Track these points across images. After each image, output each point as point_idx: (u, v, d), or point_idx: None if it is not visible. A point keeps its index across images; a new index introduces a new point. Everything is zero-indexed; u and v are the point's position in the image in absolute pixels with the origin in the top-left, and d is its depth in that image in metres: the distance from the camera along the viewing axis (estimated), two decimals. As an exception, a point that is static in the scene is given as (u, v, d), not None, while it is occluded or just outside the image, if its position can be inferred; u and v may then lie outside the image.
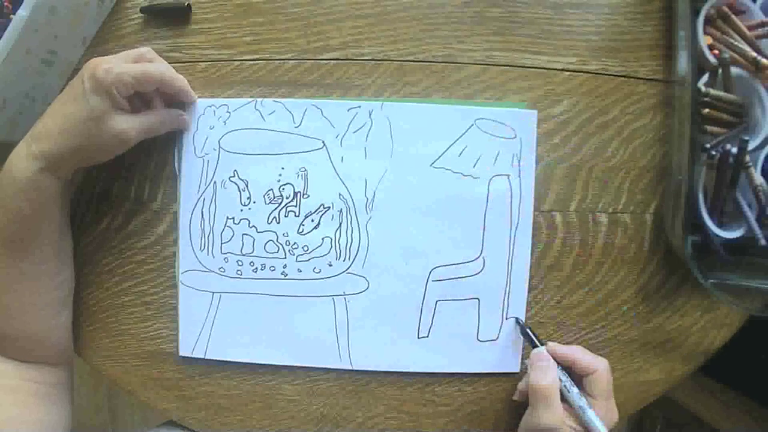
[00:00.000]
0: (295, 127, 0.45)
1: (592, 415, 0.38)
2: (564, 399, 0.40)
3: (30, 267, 0.41)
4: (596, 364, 0.40)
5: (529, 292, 0.45)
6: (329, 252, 0.45)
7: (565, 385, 0.40)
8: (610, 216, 0.45)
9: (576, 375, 0.41)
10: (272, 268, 0.45)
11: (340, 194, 0.45)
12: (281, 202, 0.45)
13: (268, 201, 0.45)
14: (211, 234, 0.45)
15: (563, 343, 0.44)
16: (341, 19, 0.45)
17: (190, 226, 0.45)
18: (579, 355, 0.41)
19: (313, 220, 0.45)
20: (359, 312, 0.45)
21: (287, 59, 0.45)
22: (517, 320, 0.45)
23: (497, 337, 0.45)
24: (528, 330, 0.44)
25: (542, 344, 0.42)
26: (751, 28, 0.44)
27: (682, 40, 0.42)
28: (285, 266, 0.45)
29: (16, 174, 0.38)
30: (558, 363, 0.41)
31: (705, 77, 0.43)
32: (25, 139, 0.39)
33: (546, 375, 0.40)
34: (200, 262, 0.46)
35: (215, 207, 0.45)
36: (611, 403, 0.40)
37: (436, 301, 0.45)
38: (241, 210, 0.45)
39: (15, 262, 0.41)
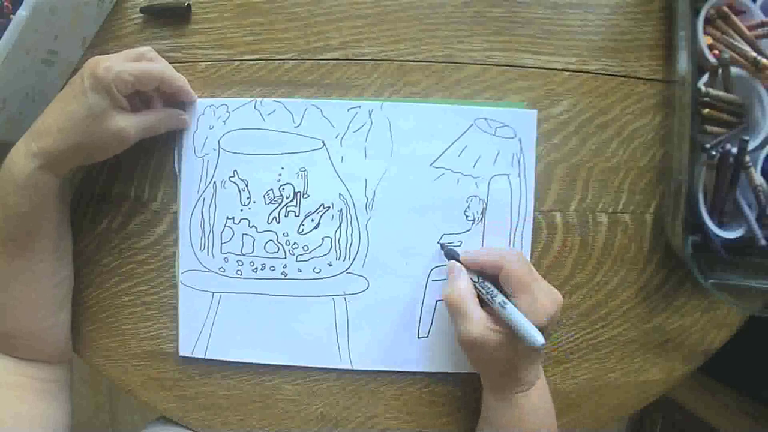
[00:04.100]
0: (295, 127, 0.45)
1: (510, 310, 0.36)
2: (487, 305, 0.38)
3: (28, 265, 0.41)
4: (500, 261, 0.38)
5: (529, 292, 0.45)
6: (329, 252, 0.45)
7: (479, 288, 0.38)
8: (610, 216, 0.45)
9: (493, 279, 0.39)
10: (272, 268, 0.45)
11: (340, 194, 0.45)
12: (281, 202, 0.45)
13: (268, 201, 0.45)
14: (211, 234, 0.45)
15: (563, 344, 0.44)
16: (341, 19, 0.45)
17: (190, 226, 0.45)
18: (483, 257, 0.40)
19: (313, 220, 0.45)
20: (359, 312, 0.45)
21: (287, 59, 0.45)
22: (441, 245, 0.43)
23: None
24: (442, 246, 0.43)
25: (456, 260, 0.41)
26: (751, 28, 0.44)
27: (682, 40, 0.42)
28: (285, 266, 0.45)
29: (15, 171, 0.38)
30: (473, 271, 0.40)
31: (705, 77, 0.43)
32: (25, 137, 0.39)
33: (456, 282, 0.39)
34: (200, 262, 0.46)
35: (215, 207, 0.45)
36: (535, 293, 0.37)
37: (436, 301, 0.45)
38: (241, 210, 0.45)
39: (13, 260, 0.41)
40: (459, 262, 0.41)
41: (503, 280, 0.38)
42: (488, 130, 0.44)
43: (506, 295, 0.38)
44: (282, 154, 0.45)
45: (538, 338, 0.35)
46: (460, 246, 0.44)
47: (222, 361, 0.46)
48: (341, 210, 0.45)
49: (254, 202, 0.45)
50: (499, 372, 0.39)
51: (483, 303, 0.39)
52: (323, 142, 0.45)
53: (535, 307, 0.36)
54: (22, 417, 0.41)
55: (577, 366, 0.46)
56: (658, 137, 0.46)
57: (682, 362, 0.48)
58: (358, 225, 0.45)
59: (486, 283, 0.39)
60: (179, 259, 0.46)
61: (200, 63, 0.46)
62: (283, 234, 0.45)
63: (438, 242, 0.44)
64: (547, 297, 0.38)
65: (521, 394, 0.40)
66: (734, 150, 0.42)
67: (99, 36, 0.47)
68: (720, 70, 0.43)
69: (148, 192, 0.46)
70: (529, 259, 0.44)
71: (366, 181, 0.44)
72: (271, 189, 0.45)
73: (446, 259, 0.43)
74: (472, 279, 0.39)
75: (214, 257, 0.45)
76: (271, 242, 0.45)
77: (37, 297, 0.43)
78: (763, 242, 0.43)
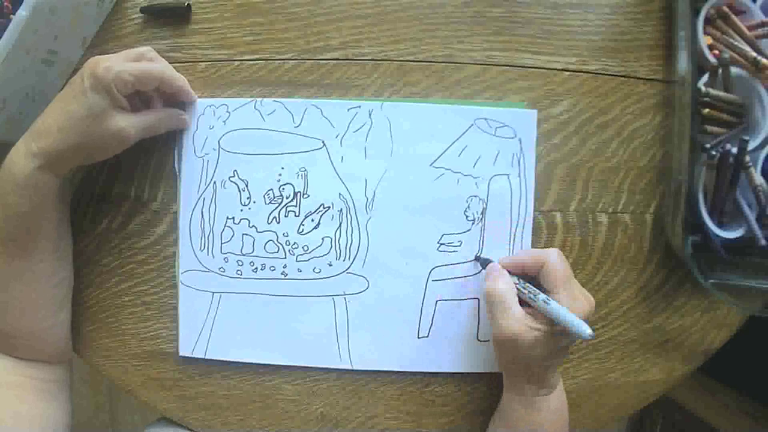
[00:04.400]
0: (295, 127, 0.45)
1: (554, 306, 0.36)
2: (526, 304, 0.38)
3: (28, 265, 0.41)
4: (542, 257, 0.39)
5: (529, 292, 0.45)
6: (329, 252, 0.45)
7: (520, 288, 0.39)
8: (610, 216, 0.45)
9: (533, 278, 0.40)
10: (272, 268, 0.45)
11: (340, 194, 0.45)
12: (281, 202, 0.45)
13: (268, 201, 0.45)
14: (211, 234, 0.45)
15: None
16: (341, 19, 0.45)
17: (190, 226, 0.45)
18: (524, 256, 0.40)
19: (313, 220, 0.45)
20: (359, 312, 0.45)
21: (287, 59, 0.45)
22: (477, 257, 0.44)
23: (497, 337, 0.45)
24: (477, 257, 0.44)
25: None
26: (751, 28, 0.44)
27: (682, 40, 0.42)
28: (285, 266, 0.45)
29: (14, 171, 0.38)
30: (512, 273, 0.40)
31: (705, 77, 0.43)
32: (25, 137, 0.39)
33: (497, 281, 0.39)
34: (200, 262, 0.45)
35: (215, 207, 0.45)
36: (574, 291, 0.38)
37: (436, 301, 0.45)
38: (241, 210, 0.45)
39: (13, 259, 0.41)
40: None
41: (543, 276, 0.39)
42: (488, 130, 0.44)
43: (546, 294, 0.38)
44: (282, 154, 0.45)
45: (587, 329, 0.35)
46: (460, 246, 0.44)
47: (222, 361, 0.46)
48: (341, 210, 0.45)
49: (254, 202, 0.45)
50: (528, 373, 0.39)
51: (522, 304, 0.39)
52: (323, 142, 0.45)
53: (575, 302, 0.37)
54: (21, 417, 0.41)
55: (577, 366, 0.46)
56: (658, 137, 0.46)
57: (682, 362, 0.48)
58: (358, 225, 0.45)
59: (526, 283, 0.39)
60: (179, 259, 0.46)
61: (200, 63, 0.46)
62: (283, 234, 0.45)
63: (475, 255, 0.44)
64: (586, 295, 0.38)
65: (543, 397, 0.40)
66: (734, 150, 0.42)
67: (99, 36, 0.47)
68: (720, 70, 0.43)
69: (148, 192, 0.46)
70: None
71: (366, 181, 0.44)
72: (271, 189, 0.45)
73: (481, 267, 0.44)
74: (517, 278, 0.40)
75: (214, 257, 0.45)
76: (271, 242, 0.45)
77: (37, 297, 0.43)
78: (763, 242, 0.43)
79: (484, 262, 0.43)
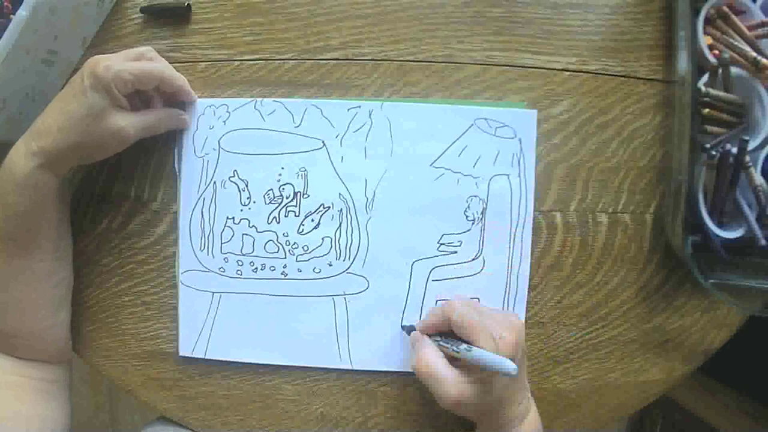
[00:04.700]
0: (295, 127, 0.45)
1: (474, 353, 0.35)
2: (454, 359, 0.37)
3: (28, 264, 0.41)
4: (447, 312, 0.38)
5: (529, 291, 0.45)
6: (329, 252, 0.45)
7: (442, 346, 0.38)
8: (610, 216, 0.45)
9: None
10: (272, 268, 0.45)
11: (340, 194, 0.45)
12: (281, 202, 0.45)
13: (268, 201, 0.45)
14: (211, 234, 0.45)
15: (563, 344, 0.44)
16: (341, 19, 0.45)
17: (190, 226, 0.45)
18: (432, 317, 0.40)
19: (313, 220, 0.45)
20: (359, 312, 0.45)
21: (287, 59, 0.45)
22: (402, 327, 0.44)
23: (497, 337, 0.45)
24: (402, 326, 0.44)
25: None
26: (751, 28, 0.44)
27: (682, 40, 0.42)
28: (285, 266, 0.45)
29: (14, 170, 0.38)
30: (433, 333, 0.40)
31: (705, 77, 0.43)
32: (25, 136, 0.39)
33: (419, 354, 0.38)
34: (200, 262, 0.46)
35: (215, 207, 0.45)
36: (490, 329, 0.36)
37: (436, 301, 0.45)
38: (241, 210, 0.45)
39: (13, 259, 0.41)
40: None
41: (457, 331, 0.38)
42: (488, 130, 0.44)
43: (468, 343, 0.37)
44: (282, 154, 0.45)
45: (509, 365, 0.34)
46: (460, 246, 0.44)
47: (222, 361, 0.46)
48: (341, 210, 0.45)
49: (254, 202, 0.45)
50: (489, 418, 0.39)
51: (452, 361, 0.38)
52: (323, 142, 0.45)
53: (495, 341, 0.36)
54: (21, 417, 0.41)
55: (577, 366, 0.46)
56: (658, 137, 0.46)
57: (682, 362, 0.48)
58: (358, 225, 0.45)
59: (446, 339, 0.38)
60: (179, 259, 0.46)
61: (200, 63, 0.46)
62: (283, 234, 0.45)
63: (401, 325, 0.44)
64: (504, 327, 0.37)
65: (514, 429, 0.39)
66: (734, 150, 0.42)
67: (99, 36, 0.47)
68: (720, 70, 0.42)
69: (148, 192, 0.46)
70: (529, 259, 0.44)
71: (366, 181, 0.44)
72: (271, 189, 0.45)
73: (407, 336, 0.43)
74: (435, 341, 0.39)
75: (214, 257, 0.45)
76: (271, 242, 0.45)
77: (37, 296, 0.43)
78: (763, 242, 0.43)
79: (407, 330, 0.43)
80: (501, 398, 0.38)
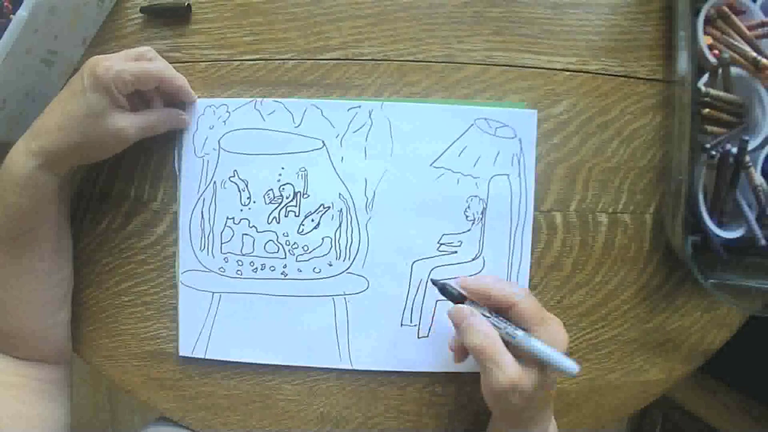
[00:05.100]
0: (295, 127, 0.45)
1: (537, 344, 0.34)
2: (507, 343, 0.36)
3: (28, 264, 0.41)
4: (512, 297, 0.36)
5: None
6: (329, 252, 0.45)
7: (495, 324, 0.36)
8: (610, 216, 0.45)
9: (498, 308, 0.37)
10: (272, 268, 0.45)
11: (340, 194, 0.45)
12: (281, 202, 0.45)
13: (268, 201, 0.45)
14: (211, 234, 0.45)
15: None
16: (341, 19, 0.45)
17: (190, 226, 0.45)
18: (492, 289, 0.37)
19: (313, 220, 0.45)
20: (359, 312, 0.45)
21: (287, 59, 0.45)
22: (434, 281, 0.40)
23: (497, 337, 0.45)
24: (434, 282, 0.40)
25: (460, 299, 0.38)
26: (751, 28, 0.44)
27: (682, 40, 0.42)
28: (285, 266, 0.45)
29: (14, 170, 0.38)
30: (478, 302, 0.38)
31: (705, 77, 0.43)
32: (25, 136, 0.39)
33: (477, 331, 0.36)
34: (200, 262, 0.45)
35: (215, 207, 0.45)
36: (551, 325, 0.36)
37: (436, 301, 0.45)
38: (241, 210, 0.45)
39: (13, 259, 0.41)
40: (461, 302, 0.38)
41: (516, 316, 0.36)
42: (488, 130, 0.44)
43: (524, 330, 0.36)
44: (282, 154, 0.45)
45: (574, 365, 0.33)
46: (460, 246, 0.44)
47: (222, 361, 0.46)
48: (341, 210, 0.45)
49: (254, 202, 0.45)
50: (525, 416, 0.37)
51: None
52: (323, 142, 0.45)
53: (555, 337, 0.35)
54: (21, 417, 0.41)
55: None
56: (658, 137, 0.46)
57: (682, 362, 0.48)
58: (358, 225, 0.45)
59: (501, 320, 0.36)
60: (179, 259, 0.46)
61: (200, 63, 0.46)
62: (283, 234, 0.45)
63: (429, 279, 0.43)
64: (560, 326, 0.36)
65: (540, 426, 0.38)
66: (734, 150, 0.42)
67: (99, 36, 0.47)
68: (720, 70, 0.43)
69: (148, 192, 0.46)
70: (529, 259, 0.44)
71: (366, 181, 0.44)
72: (271, 189, 0.45)
73: (441, 295, 0.40)
74: (486, 316, 0.37)
75: (214, 257, 0.45)
76: (271, 242, 0.45)
77: (37, 296, 0.43)
78: (763, 242, 0.43)
79: (445, 291, 0.39)
80: (543, 398, 0.37)
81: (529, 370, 0.35)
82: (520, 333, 0.35)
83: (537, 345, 0.34)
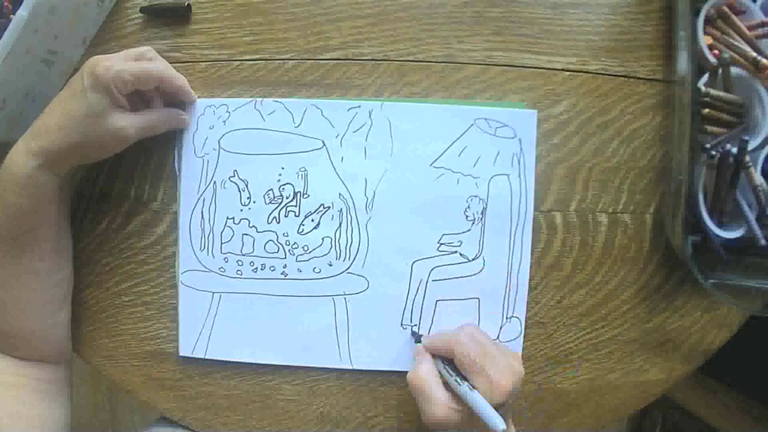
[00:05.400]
0: (295, 127, 0.45)
1: (474, 396, 0.36)
2: (452, 388, 0.38)
3: (28, 264, 0.41)
4: (451, 343, 0.39)
5: (529, 292, 0.45)
6: (329, 252, 0.45)
7: (445, 374, 0.38)
8: (610, 216, 0.45)
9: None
10: (272, 268, 0.45)
11: (340, 194, 0.45)
12: (281, 202, 0.45)
13: (268, 201, 0.45)
14: (211, 234, 0.45)
15: (563, 344, 0.44)
16: (341, 19, 0.45)
17: (190, 226, 0.45)
18: (437, 341, 0.40)
19: (313, 220, 0.45)
20: (359, 312, 0.45)
21: (287, 59, 0.45)
22: (412, 332, 0.44)
23: (497, 337, 0.45)
24: (411, 331, 0.44)
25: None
26: (751, 28, 0.44)
27: (682, 40, 0.42)
28: (285, 266, 0.45)
29: (14, 170, 0.38)
30: (437, 355, 0.40)
31: (705, 77, 0.43)
32: (25, 136, 0.39)
33: (418, 368, 0.39)
34: (200, 262, 0.45)
35: (215, 207, 0.45)
36: (491, 372, 0.37)
37: (436, 301, 0.45)
38: (241, 210, 0.45)
39: (13, 259, 0.41)
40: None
41: (458, 364, 0.38)
42: (488, 130, 0.44)
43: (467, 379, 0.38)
44: (282, 154, 0.45)
45: (498, 423, 0.34)
46: (460, 246, 0.44)
47: (222, 361, 0.46)
48: (341, 210, 0.45)
49: (254, 202, 0.45)
50: None
51: (446, 384, 0.38)
52: (323, 142, 0.45)
53: (491, 388, 0.36)
54: (21, 417, 0.41)
55: (577, 366, 0.46)
56: (658, 137, 0.46)
57: (682, 362, 0.48)
58: (358, 225, 0.45)
59: (449, 368, 0.39)
60: (179, 259, 0.46)
61: (200, 63, 0.46)
62: (283, 234, 0.45)
63: (411, 328, 0.45)
64: (504, 375, 0.37)
65: None
66: (734, 150, 0.42)
67: (99, 36, 0.47)
68: (720, 70, 0.43)
69: (148, 192, 0.46)
70: (529, 259, 0.44)
71: (366, 181, 0.44)
72: (271, 189, 0.45)
73: (412, 339, 0.44)
74: (441, 365, 0.39)
75: (214, 257, 0.45)
76: (271, 242, 0.45)
77: (38, 296, 0.43)
78: (763, 242, 0.43)
79: (415, 337, 0.44)
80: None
81: (460, 409, 0.37)
82: (465, 385, 0.37)
83: (470, 396, 0.36)
